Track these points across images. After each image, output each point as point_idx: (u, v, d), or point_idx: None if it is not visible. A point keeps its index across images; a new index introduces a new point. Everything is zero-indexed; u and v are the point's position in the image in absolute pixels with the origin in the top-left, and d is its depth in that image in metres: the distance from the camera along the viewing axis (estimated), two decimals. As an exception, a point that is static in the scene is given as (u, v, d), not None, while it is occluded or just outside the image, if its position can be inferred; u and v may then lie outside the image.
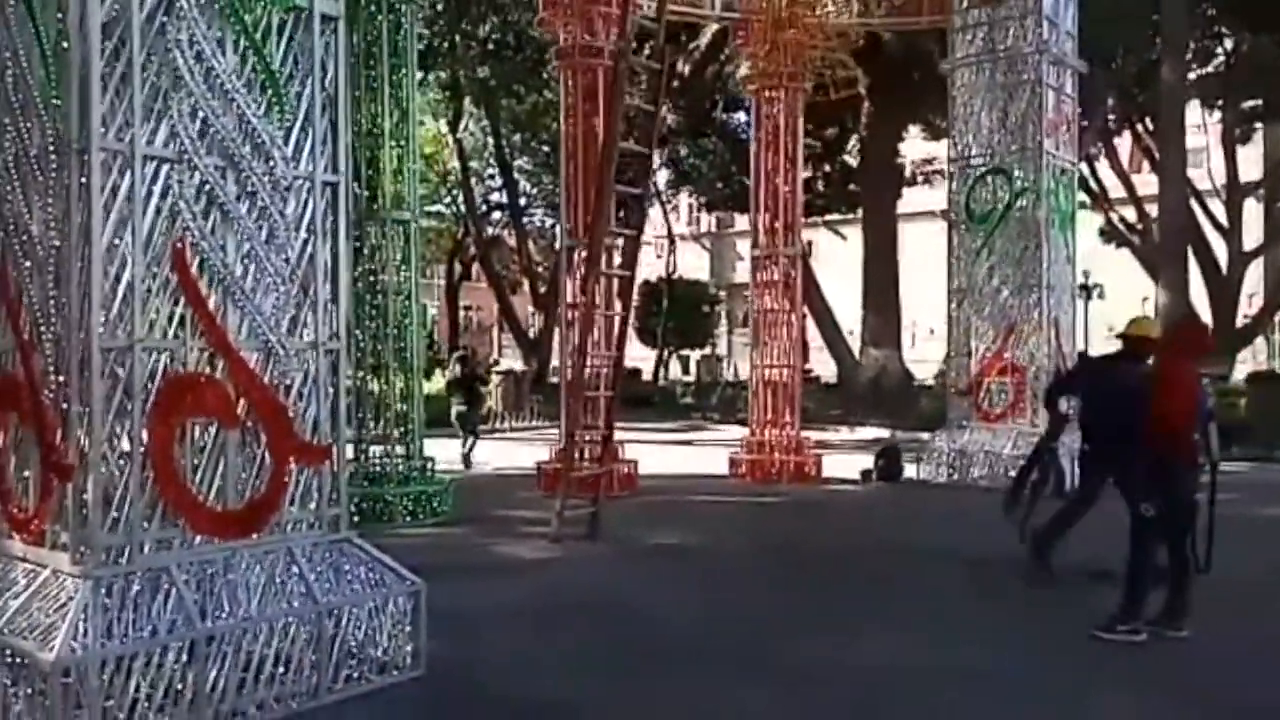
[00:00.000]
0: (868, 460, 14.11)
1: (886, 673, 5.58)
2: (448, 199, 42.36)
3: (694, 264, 60.42)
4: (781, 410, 13.92)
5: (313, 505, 5.33)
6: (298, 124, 5.25)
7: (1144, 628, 6.10)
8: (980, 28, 13.30)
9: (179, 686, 4.56)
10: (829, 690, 5.33)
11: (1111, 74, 21.08)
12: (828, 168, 31.86)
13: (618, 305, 11.19)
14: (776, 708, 5.11)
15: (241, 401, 5.01)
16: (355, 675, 5.23)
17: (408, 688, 5.28)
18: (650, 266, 48.45)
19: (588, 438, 10.54)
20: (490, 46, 29.90)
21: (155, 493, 4.72)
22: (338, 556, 5.37)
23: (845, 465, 14.37)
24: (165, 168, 4.77)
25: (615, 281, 10.95)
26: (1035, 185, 12.77)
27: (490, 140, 36.65)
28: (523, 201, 41.04)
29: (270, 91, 5.09)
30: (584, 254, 10.89)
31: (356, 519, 10.01)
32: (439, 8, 29.88)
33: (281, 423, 5.13)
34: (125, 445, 4.67)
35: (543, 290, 39.78)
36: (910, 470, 13.82)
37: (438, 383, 25.25)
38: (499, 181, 40.30)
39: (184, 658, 4.61)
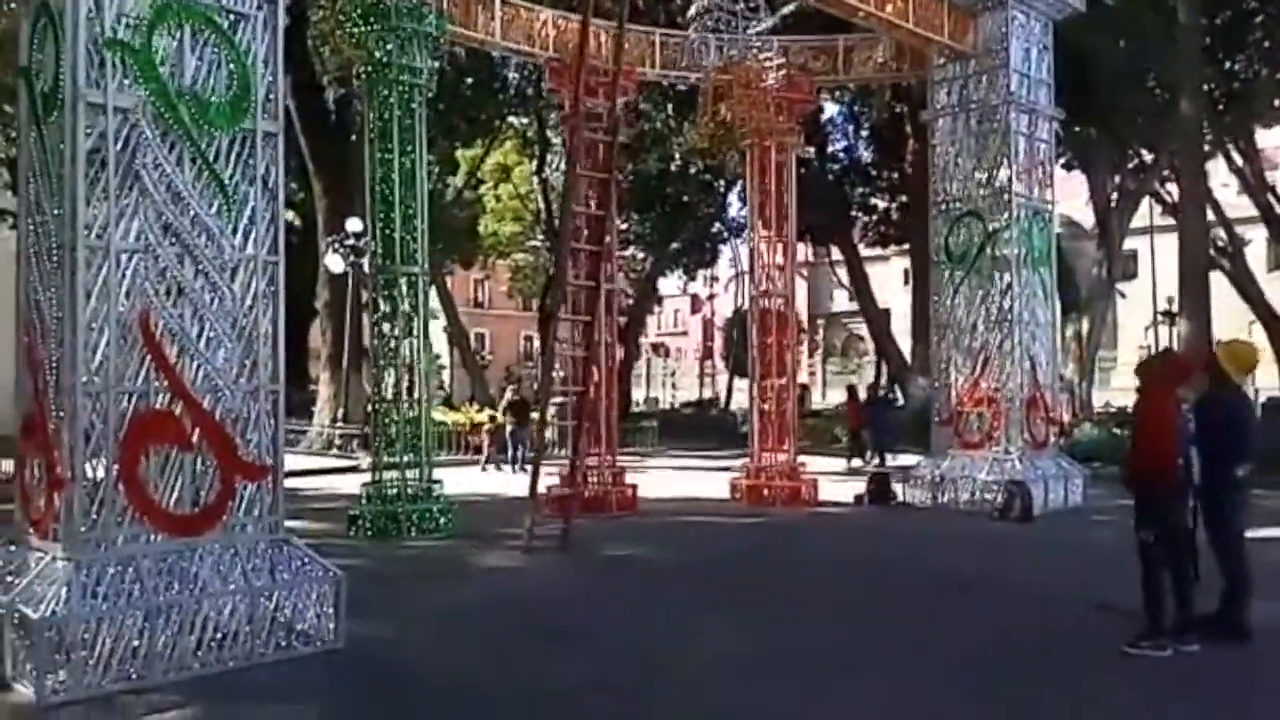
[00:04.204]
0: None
1: (713, 656, 6.78)
2: (540, 237, 44.52)
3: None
4: (780, 438, 15.03)
5: (256, 512, 6.86)
6: (244, 217, 6.83)
7: (1168, 643, 6.53)
8: (955, 81, 14.28)
9: (135, 644, 6.11)
10: (650, 664, 6.56)
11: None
12: (904, 198, 32.78)
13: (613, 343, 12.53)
14: (606, 675, 6.36)
15: (196, 431, 6.58)
16: (284, 645, 6.71)
17: (325, 657, 6.73)
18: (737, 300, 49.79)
19: (576, 463, 11.87)
20: (568, 93, 31.74)
21: (126, 500, 6.31)
22: (275, 552, 6.87)
23: (857, 490, 15.23)
24: (135, 257, 6.39)
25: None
26: (1007, 227, 13.64)
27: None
28: (607, 238, 42.55)
29: (220, 194, 6.69)
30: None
31: (370, 532, 11.69)
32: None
33: (228, 448, 6.68)
34: (104, 465, 6.27)
35: (623, 323, 41.61)
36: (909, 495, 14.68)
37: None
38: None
39: (144, 624, 6.16)
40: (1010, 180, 13.59)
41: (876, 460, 20.12)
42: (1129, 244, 35.31)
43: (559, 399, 22.29)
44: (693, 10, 14.67)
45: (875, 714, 5.76)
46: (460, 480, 16.06)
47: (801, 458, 15.42)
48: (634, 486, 14.08)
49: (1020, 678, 6.36)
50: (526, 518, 10.73)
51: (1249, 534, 7.22)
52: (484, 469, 20.30)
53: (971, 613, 8.05)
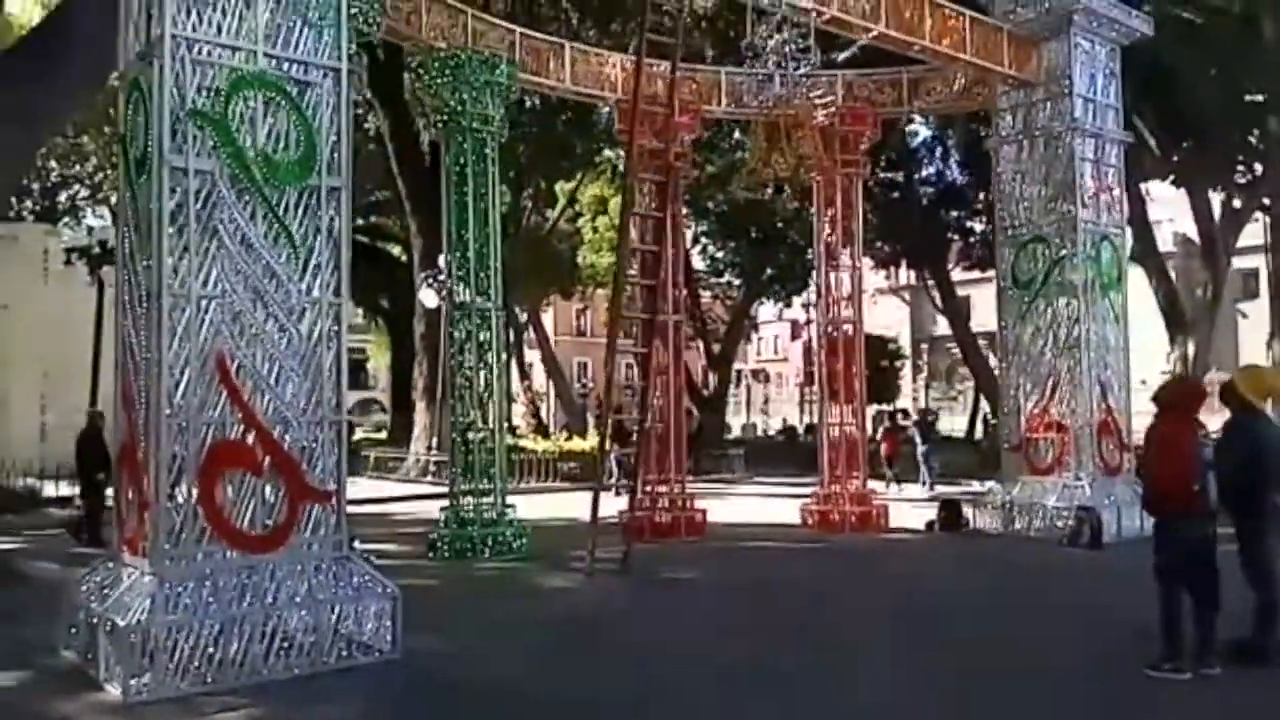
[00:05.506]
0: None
1: (762, 672, 7.13)
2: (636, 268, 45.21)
3: (893, 318, 60.96)
4: (849, 464, 15.20)
5: (321, 532, 7.50)
6: (311, 264, 7.53)
7: (1186, 666, 6.64)
8: (1020, 108, 14.36)
9: (211, 651, 6.78)
10: (667, 670, 6.95)
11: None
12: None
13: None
14: (630, 680, 6.79)
15: (267, 459, 7.27)
16: (345, 654, 7.31)
17: (384, 667, 7.31)
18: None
19: (641, 488, 12.32)
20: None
21: (205, 520, 7.01)
22: (338, 568, 7.49)
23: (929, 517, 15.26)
24: (213, 302, 7.13)
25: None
26: (1072, 252, 13.64)
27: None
28: (705, 265, 42.90)
29: (288, 245, 7.40)
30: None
31: (448, 555, 12.33)
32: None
33: (295, 474, 7.35)
34: (184, 489, 7.00)
35: (716, 350, 42.02)
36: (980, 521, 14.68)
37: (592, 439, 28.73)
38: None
39: (219, 633, 6.84)
40: (1076, 206, 13.59)
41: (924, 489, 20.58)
42: (1250, 262, 33.94)
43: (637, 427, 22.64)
44: (769, 45, 15.09)
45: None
46: (547, 505, 16.71)
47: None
48: (703, 511, 14.44)
49: (1052, 702, 6.49)
50: (589, 541, 11.21)
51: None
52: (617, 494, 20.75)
53: (1020, 636, 8.19)
